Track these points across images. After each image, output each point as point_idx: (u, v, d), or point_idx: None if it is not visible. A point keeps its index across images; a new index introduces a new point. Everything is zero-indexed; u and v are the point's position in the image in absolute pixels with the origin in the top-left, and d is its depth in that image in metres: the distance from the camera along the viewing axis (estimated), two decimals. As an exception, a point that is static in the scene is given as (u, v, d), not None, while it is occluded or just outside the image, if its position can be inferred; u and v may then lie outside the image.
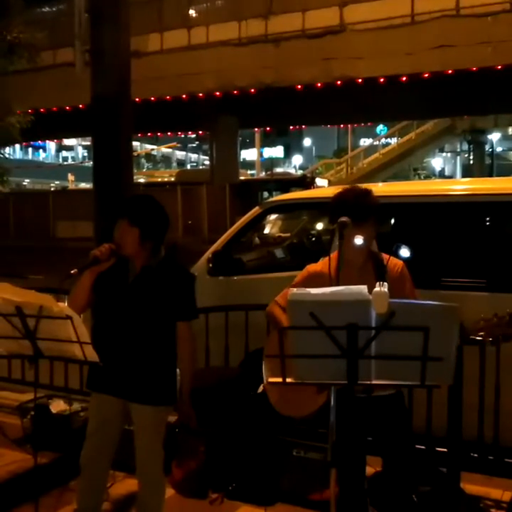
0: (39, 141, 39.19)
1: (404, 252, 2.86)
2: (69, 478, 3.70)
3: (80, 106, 17.23)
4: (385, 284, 1.98)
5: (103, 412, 2.94)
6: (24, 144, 35.62)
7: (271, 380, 2.24)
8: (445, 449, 3.57)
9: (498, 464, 3.55)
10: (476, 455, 3.57)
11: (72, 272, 2.77)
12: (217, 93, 17.39)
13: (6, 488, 3.83)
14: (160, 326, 2.86)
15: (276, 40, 16.20)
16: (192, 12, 18.43)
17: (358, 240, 2.55)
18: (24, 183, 40.12)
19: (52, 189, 37.14)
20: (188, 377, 2.92)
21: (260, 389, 3.69)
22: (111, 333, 2.86)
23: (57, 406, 4.50)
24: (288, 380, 2.13)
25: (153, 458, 2.91)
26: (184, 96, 17.66)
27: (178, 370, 2.93)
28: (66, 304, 2.89)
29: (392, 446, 2.67)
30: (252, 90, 16.85)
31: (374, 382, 2.04)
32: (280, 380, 2.14)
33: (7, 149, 15.03)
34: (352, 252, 2.60)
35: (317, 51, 15.50)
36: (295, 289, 2.05)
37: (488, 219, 4.32)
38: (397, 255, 2.77)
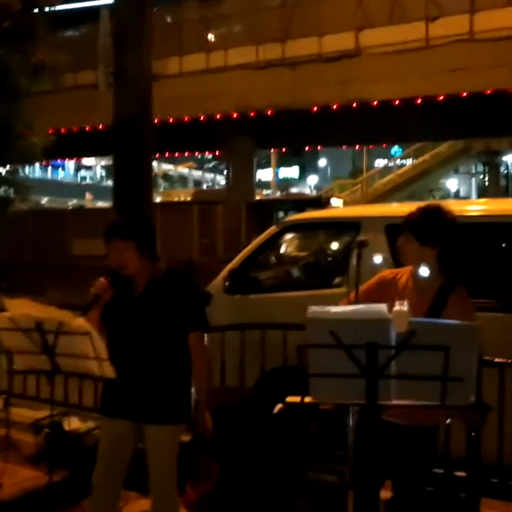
0: (58, 161, 39.67)
1: (422, 272, 2.84)
2: (81, 497, 3.68)
3: (100, 127, 17.47)
4: (405, 302, 1.98)
5: (115, 434, 2.92)
6: (44, 163, 36.09)
7: (289, 399, 2.24)
8: (464, 474, 3.51)
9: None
10: (496, 480, 3.50)
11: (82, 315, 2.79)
12: (235, 115, 17.55)
13: (19, 505, 3.82)
14: (171, 341, 2.85)
15: (293, 64, 16.35)
16: (210, 36, 18.69)
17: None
18: (42, 202, 40.53)
19: (69, 207, 37.51)
20: (204, 389, 2.89)
21: (276, 409, 3.68)
22: (123, 356, 2.84)
23: (72, 424, 4.49)
24: (306, 399, 2.12)
25: (167, 477, 2.88)
26: (202, 117, 17.84)
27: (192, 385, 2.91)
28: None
29: (403, 478, 2.62)
30: (269, 112, 16.99)
31: (394, 402, 2.03)
32: (298, 399, 2.13)
33: (27, 168, 15.24)
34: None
35: (333, 74, 15.63)
36: (315, 307, 2.05)
37: (504, 239, 4.30)
38: None
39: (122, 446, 2.92)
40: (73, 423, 4.46)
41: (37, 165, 37.66)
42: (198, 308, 2.94)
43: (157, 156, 28.03)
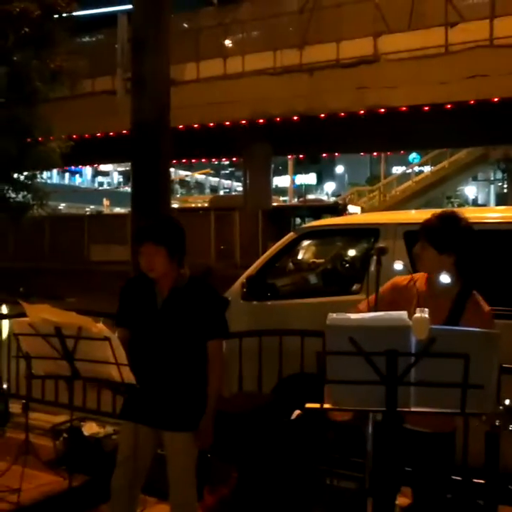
0: (76, 167, 40.03)
1: (442, 279, 2.83)
2: (100, 501, 3.70)
3: (118, 132, 17.59)
4: (426, 310, 1.97)
5: (134, 439, 2.91)
6: (62, 168, 36.43)
7: (308, 405, 2.23)
8: (482, 481, 3.48)
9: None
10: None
11: None
12: (252, 121, 17.60)
13: (39, 510, 3.84)
14: (192, 347, 2.86)
15: (311, 70, 16.37)
16: (228, 42, 18.78)
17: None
18: (60, 207, 40.87)
19: (87, 213, 37.80)
20: (215, 397, 2.90)
21: (294, 415, 3.67)
22: (144, 361, 2.85)
23: (90, 428, 4.50)
24: (325, 405, 2.12)
25: (186, 484, 2.89)
26: (219, 123, 17.92)
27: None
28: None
29: (425, 484, 2.60)
30: (286, 118, 17.01)
31: (413, 409, 2.02)
32: (318, 405, 2.13)
33: (45, 174, 15.39)
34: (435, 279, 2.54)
35: (351, 80, 15.61)
36: (334, 314, 2.05)
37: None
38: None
39: (141, 451, 2.92)
40: (92, 428, 4.48)
41: (55, 171, 38.04)
42: (220, 316, 2.94)
43: (185, 161, 28.17)
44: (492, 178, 39.27)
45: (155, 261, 2.84)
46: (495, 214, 5.08)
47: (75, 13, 12.94)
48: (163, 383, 2.85)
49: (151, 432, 2.90)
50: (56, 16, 12.54)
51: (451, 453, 2.67)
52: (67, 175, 53.89)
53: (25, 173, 13.77)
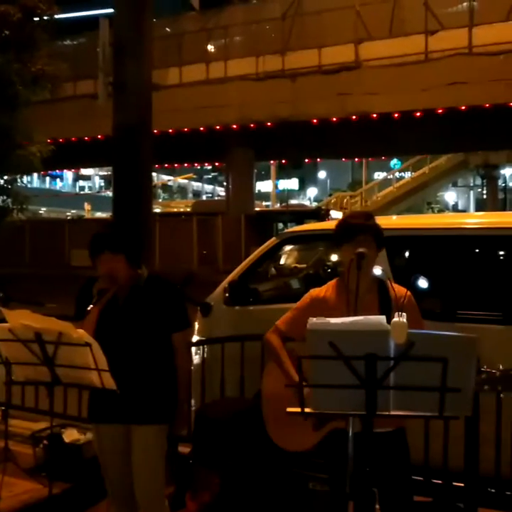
0: (57, 171, 39.77)
1: (421, 284, 2.87)
2: (81, 509, 3.67)
3: (99, 136, 17.53)
4: (404, 314, 1.99)
5: (108, 440, 2.94)
6: (42, 173, 36.19)
7: (289, 410, 2.24)
8: (462, 484, 3.52)
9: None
10: (493, 490, 3.51)
11: (89, 308, 2.84)
12: (235, 126, 17.64)
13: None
14: (157, 342, 2.92)
15: (293, 76, 16.47)
16: (211, 47, 18.80)
17: (377, 270, 2.57)
18: (40, 212, 40.55)
19: (68, 218, 37.52)
20: (185, 386, 2.98)
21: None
22: (110, 358, 2.81)
23: (71, 435, 4.46)
24: (306, 410, 2.13)
25: (155, 480, 2.89)
26: (202, 128, 17.92)
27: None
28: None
29: (388, 482, 2.64)
30: (269, 124, 17.08)
31: (392, 413, 2.04)
32: (299, 410, 2.14)
33: (25, 178, 15.27)
34: (349, 278, 2.61)
35: (332, 86, 15.73)
36: (315, 319, 2.06)
37: (502, 252, 4.33)
38: (413, 287, 2.78)
39: (119, 454, 2.92)
40: (72, 435, 4.44)
41: (35, 175, 37.78)
42: (181, 309, 3.03)
43: (167, 166, 28.13)
44: (472, 184, 39.80)
45: (115, 269, 2.89)
46: (475, 220, 5.13)
47: (56, 16, 12.86)
48: (130, 378, 2.87)
49: (122, 429, 2.91)
50: (37, 19, 12.46)
51: (407, 446, 2.73)
52: (47, 179, 53.53)
53: (5, 177, 13.65)
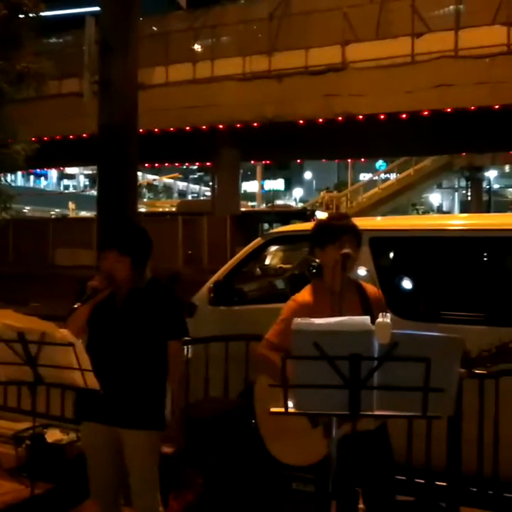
0: (41, 169, 39.49)
1: (406, 285, 2.89)
2: (63, 509, 3.64)
3: (84, 135, 17.42)
4: (388, 314, 2.00)
5: (95, 440, 2.91)
6: (27, 171, 35.91)
7: (273, 409, 2.24)
8: (445, 483, 3.55)
9: (498, 499, 3.52)
10: (475, 489, 3.54)
11: (75, 306, 2.81)
12: (221, 126, 17.61)
13: (0, 518, 3.77)
14: (151, 347, 2.88)
15: (279, 76, 16.47)
16: (197, 47, 18.76)
17: (361, 271, 2.58)
18: (24, 210, 40.23)
19: (52, 217, 37.24)
20: (180, 397, 2.95)
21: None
22: (103, 359, 2.83)
23: (53, 435, 4.43)
24: (290, 410, 2.13)
25: (149, 487, 2.87)
26: (187, 128, 17.87)
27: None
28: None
29: (373, 480, 2.66)
30: (255, 124, 17.07)
31: (376, 413, 2.05)
32: (282, 410, 2.14)
33: (9, 176, 15.15)
34: (332, 280, 2.62)
35: (319, 87, 15.75)
36: (299, 319, 2.07)
37: (486, 253, 4.36)
38: (399, 288, 2.80)
39: (106, 451, 2.90)
40: (55, 435, 4.41)
41: (19, 173, 37.46)
42: (180, 317, 2.99)
43: (146, 165, 28.03)
44: (456, 186, 40.07)
45: (117, 269, 2.85)
46: (460, 221, 5.17)
47: (42, 14, 12.77)
48: (122, 380, 2.85)
49: (110, 431, 2.88)
50: (22, 16, 12.36)
51: (389, 443, 2.74)
52: (32, 177, 53.11)
53: (-11, 176, 13.54)
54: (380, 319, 1.97)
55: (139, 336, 2.86)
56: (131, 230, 3.03)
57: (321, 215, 23.16)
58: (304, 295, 2.80)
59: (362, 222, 5.45)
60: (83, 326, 2.90)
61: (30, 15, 12.45)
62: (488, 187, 35.05)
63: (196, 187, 63.98)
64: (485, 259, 4.42)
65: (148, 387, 2.87)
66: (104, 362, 2.83)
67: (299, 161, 37.97)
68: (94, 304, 2.87)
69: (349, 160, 34.06)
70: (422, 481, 3.58)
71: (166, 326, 2.89)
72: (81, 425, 3.04)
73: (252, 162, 32.73)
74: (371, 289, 2.73)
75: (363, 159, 30.35)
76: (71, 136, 19.29)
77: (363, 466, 2.64)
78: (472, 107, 14.48)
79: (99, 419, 2.88)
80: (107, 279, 2.85)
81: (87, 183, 57.45)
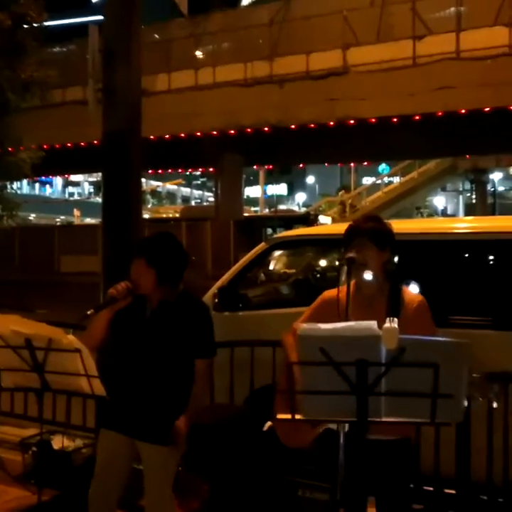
0: (46, 177, 39.58)
1: (412, 289, 2.87)
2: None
3: (89, 143, 17.47)
4: (395, 319, 1.98)
5: (111, 450, 2.88)
6: (32, 179, 36.01)
7: (279, 416, 2.23)
8: (454, 491, 3.51)
9: (508, 507, 3.49)
10: (485, 497, 3.50)
11: (88, 312, 2.76)
12: (223, 132, 17.64)
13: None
14: (177, 362, 2.81)
15: (281, 81, 16.49)
16: (199, 53, 18.81)
17: (368, 275, 2.55)
18: (30, 218, 40.37)
19: (57, 224, 37.33)
20: (194, 406, 2.85)
21: (266, 427, 3.66)
22: (126, 370, 2.81)
23: (60, 442, 4.43)
24: (297, 416, 2.11)
25: (163, 503, 2.84)
26: (190, 134, 17.91)
27: None
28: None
29: (387, 490, 2.61)
30: (257, 129, 17.10)
31: (384, 419, 2.03)
32: (289, 416, 2.12)
33: (15, 184, 15.23)
34: (363, 282, 2.58)
35: (321, 92, 15.76)
36: (305, 324, 2.06)
37: (493, 257, 4.34)
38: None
39: (118, 463, 2.89)
40: (61, 441, 4.41)
41: (25, 181, 37.58)
42: (209, 335, 2.90)
43: (150, 172, 28.08)
44: (461, 189, 39.94)
45: (142, 278, 2.80)
46: (465, 224, 5.15)
47: (45, 24, 12.86)
48: (143, 393, 2.81)
49: (128, 441, 2.86)
50: (27, 26, 12.45)
51: (412, 458, 2.70)
52: (37, 185, 53.26)
53: (-5, 184, 13.61)
54: (387, 324, 1.95)
55: (164, 350, 2.80)
56: (163, 242, 2.90)
57: (324, 219, 23.16)
58: (334, 291, 2.68)
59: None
60: (103, 335, 2.84)
61: (35, 25, 12.55)
62: (492, 189, 34.95)
63: (199, 193, 64.07)
64: (493, 262, 4.38)
65: (170, 402, 2.80)
66: (127, 371, 2.81)
67: (301, 165, 37.97)
68: (113, 312, 2.81)
69: (352, 164, 34.00)
70: (431, 489, 3.54)
71: (194, 343, 2.81)
72: (99, 432, 3.01)
73: (255, 167, 32.75)
74: (409, 294, 2.62)
75: (365, 163, 30.30)
76: (76, 144, 19.33)
77: (376, 475, 2.59)
78: (475, 109, 14.46)
79: (119, 428, 2.85)
80: (129, 289, 2.79)
81: (92, 190, 57.59)
